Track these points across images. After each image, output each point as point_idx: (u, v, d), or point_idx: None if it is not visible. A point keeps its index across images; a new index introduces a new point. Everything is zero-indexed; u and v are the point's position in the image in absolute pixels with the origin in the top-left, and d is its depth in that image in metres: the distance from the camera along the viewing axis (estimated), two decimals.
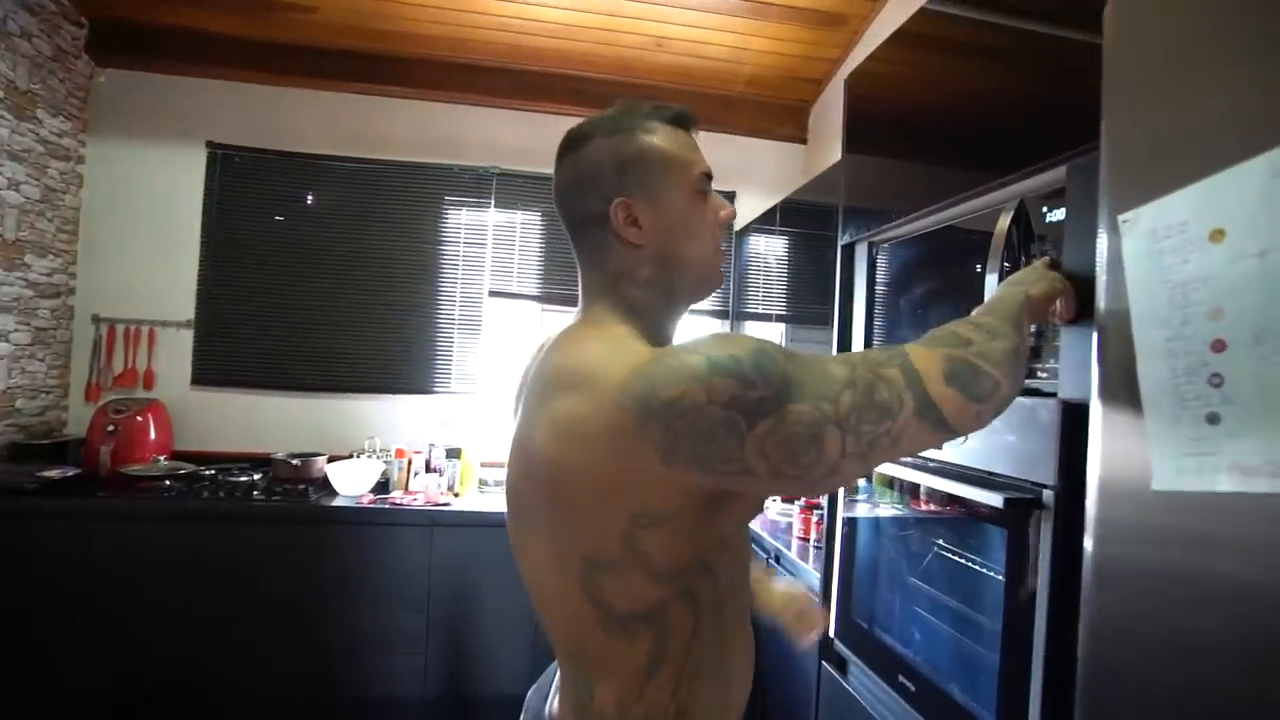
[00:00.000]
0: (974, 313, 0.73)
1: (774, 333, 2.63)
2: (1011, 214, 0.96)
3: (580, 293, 0.74)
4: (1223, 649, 0.51)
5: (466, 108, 2.85)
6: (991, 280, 0.96)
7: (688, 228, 0.70)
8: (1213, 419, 0.52)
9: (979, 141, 1.06)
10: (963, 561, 1.04)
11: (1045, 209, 0.93)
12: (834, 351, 1.44)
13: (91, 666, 2.09)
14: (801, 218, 2.41)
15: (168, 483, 2.29)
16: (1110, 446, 0.62)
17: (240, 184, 2.70)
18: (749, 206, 2.99)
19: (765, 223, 2.67)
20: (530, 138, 2.90)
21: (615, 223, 0.67)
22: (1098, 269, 0.64)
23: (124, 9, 2.55)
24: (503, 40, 2.70)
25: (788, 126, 3.06)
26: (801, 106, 3.07)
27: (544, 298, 2.96)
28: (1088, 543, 0.63)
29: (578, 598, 0.63)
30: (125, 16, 2.58)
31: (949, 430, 0.61)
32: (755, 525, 2.27)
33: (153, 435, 2.46)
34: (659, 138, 0.69)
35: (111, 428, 2.37)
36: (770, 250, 2.76)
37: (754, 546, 2.23)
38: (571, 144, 0.72)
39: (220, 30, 2.61)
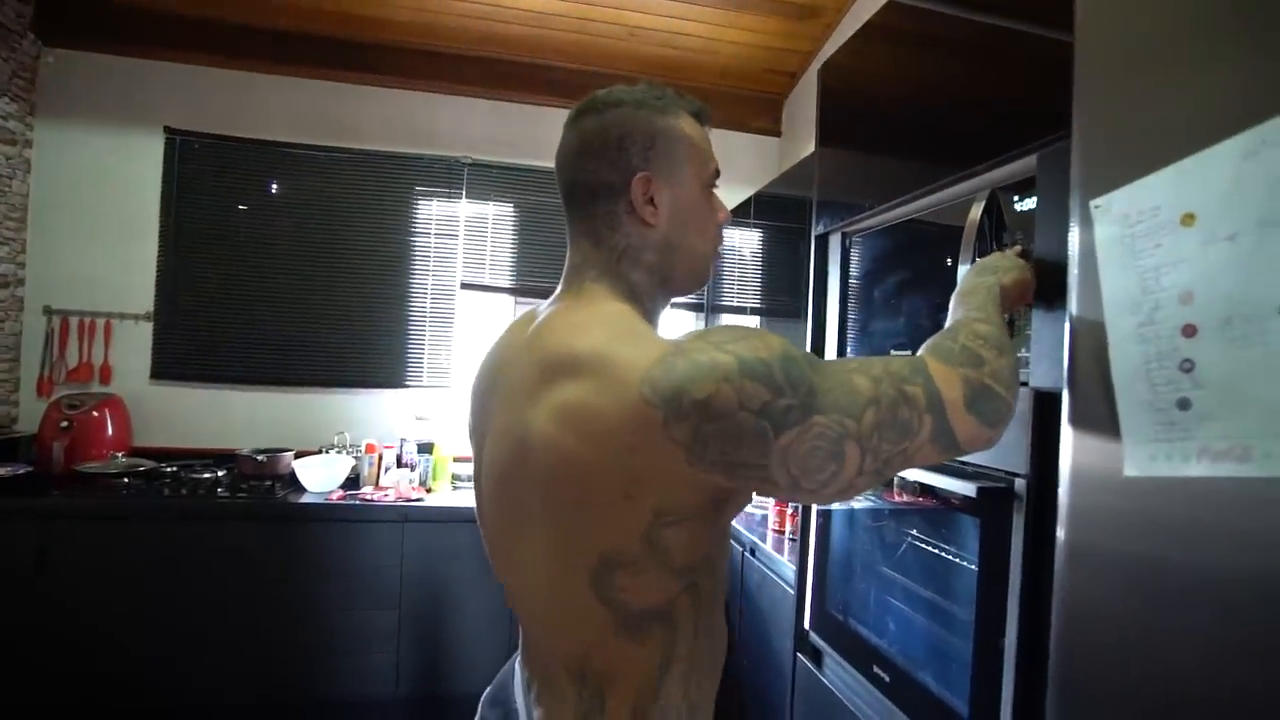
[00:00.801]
0: (956, 306, 0.72)
1: (750, 324, 2.64)
2: (983, 204, 0.96)
3: (567, 269, 0.70)
4: (1195, 637, 0.51)
5: (437, 96, 2.79)
6: (964, 271, 0.96)
7: (697, 219, 0.69)
8: (1183, 404, 0.52)
9: (952, 133, 1.06)
10: (936, 552, 1.04)
11: (1016, 198, 0.93)
12: (809, 344, 1.44)
13: (48, 672, 2.01)
14: (776, 210, 2.41)
15: (126, 480, 2.21)
16: (1082, 434, 0.62)
17: (201, 171, 2.60)
18: (723, 199, 2.97)
19: (740, 215, 2.67)
20: (502, 128, 2.86)
21: (633, 197, 0.65)
22: (1069, 257, 0.64)
23: None
24: (475, 28, 2.65)
25: (762, 119, 3.06)
26: (776, 99, 3.07)
27: (517, 290, 2.92)
28: (1060, 531, 0.63)
29: (587, 599, 0.59)
30: None
31: (959, 451, 0.61)
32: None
33: (110, 431, 2.37)
34: (686, 123, 0.69)
35: (65, 424, 2.28)
36: (745, 243, 2.76)
37: (733, 542, 2.23)
38: (594, 108, 0.68)
39: (177, 11, 2.51)
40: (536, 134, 2.88)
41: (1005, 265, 0.77)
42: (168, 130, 2.57)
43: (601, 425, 0.55)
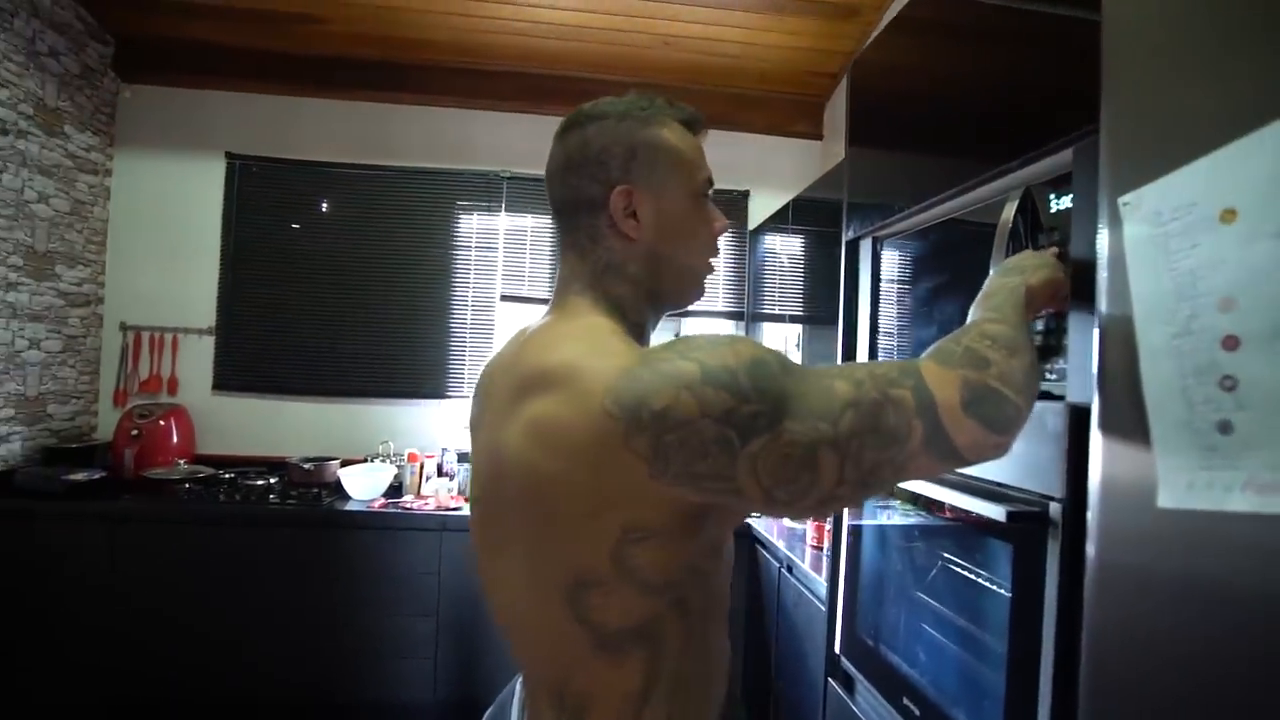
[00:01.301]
0: (975, 310, 0.67)
1: (790, 334, 2.56)
2: (1016, 203, 0.89)
3: (556, 284, 0.70)
4: (1237, 670, 0.44)
5: (476, 113, 2.86)
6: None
7: (685, 230, 0.67)
8: (1224, 427, 0.46)
9: (984, 128, 0.99)
10: (970, 577, 0.97)
11: (1053, 196, 0.86)
12: (840, 352, 1.38)
13: (110, 666, 2.14)
14: (814, 215, 2.34)
15: (187, 486, 2.34)
16: (1113, 455, 0.56)
17: (257, 193, 2.75)
18: (764, 206, 2.92)
19: (778, 221, 2.61)
20: (540, 141, 2.86)
21: (613, 210, 0.64)
22: (1098, 259, 0.58)
23: (148, 26, 2.62)
24: (510, 44, 2.70)
25: (802, 122, 2.99)
26: (816, 101, 2.99)
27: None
28: (1089, 560, 0.56)
29: (563, 620, 0.57)
30: (149, 33, 2.65)
31: (961, 461, 0.56)
32: (769, 532, 2.20)
33: (175, 439, 2.52)
34: (671, 133, 0.67)
35: (135, 432, 2.43)
36: (785, 249, 2.69)
37: (766, 554, 2.17)
38: (578, 121, 0.68)
39: (236, 43, 2.66)
40: None
41: (1033, 264, 0.71)
42: (228, 155, 2.73)
43: (567, 440, 0.53)
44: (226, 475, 2.47)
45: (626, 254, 0.65)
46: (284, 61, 2.70)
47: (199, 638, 2.17)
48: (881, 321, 1.30)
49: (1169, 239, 0.50)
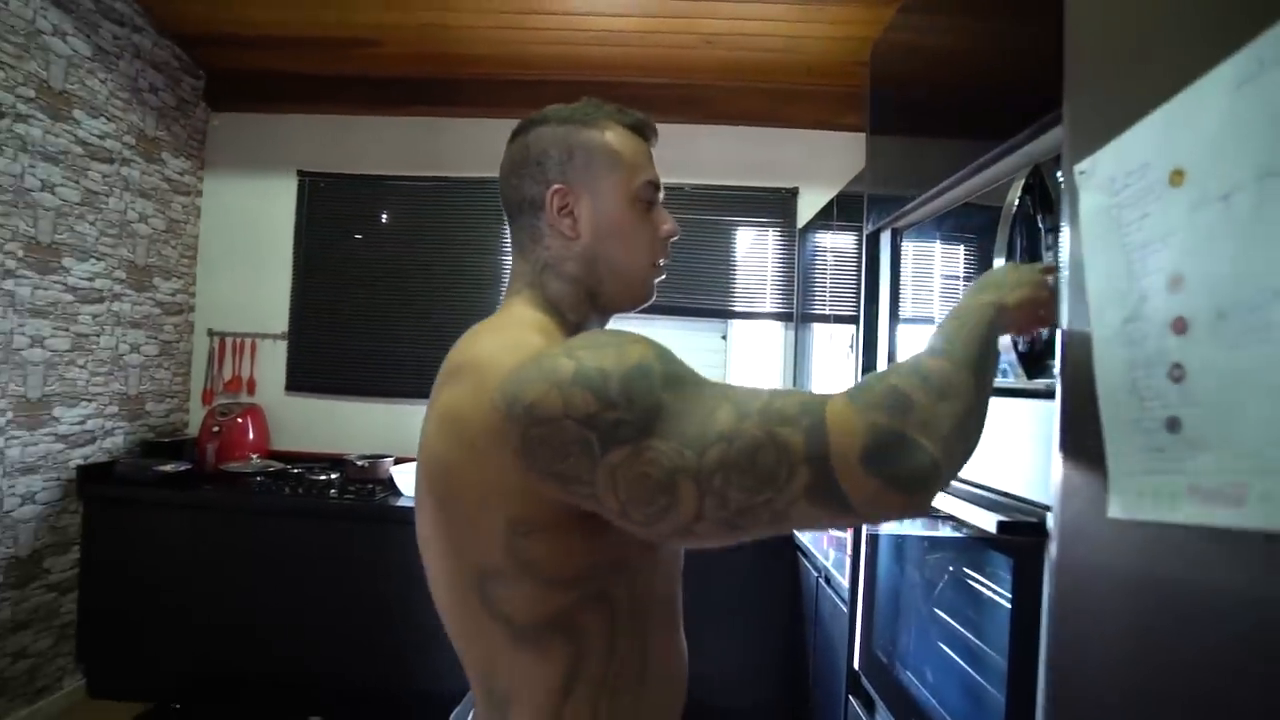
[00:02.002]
0: (936, 332, 0.60)
1: (838, 334, 2.45)
2: (1023, 181, 0.81)
3: (508, 285, 0.71)
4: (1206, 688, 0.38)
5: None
6: (999, 264, 0.82)
7: (622, 231, 0.67)
8: (1172, 424, 0.39)
9: (996, 104, 0.91)
10: (974, 590, 0.89)
11: (1060, 173, 0.78)
12: (860, 348, 1.31)
13: (189, 641, 2.34)
14: (859, 210, 2.23)
15: (258, 479, 2.53)
16: (1075, 459, 0.49)
17: (324, 207, 2.94)
18: (812, 203, 2.83)
19: (823, 218, 2.51)
20: None
21: (549, 209, 0.65)
22: (1059, 243, 0.52)
23: (232, 60, 2.87)
24: (554, 53, 2.75)
25: (851, 114, 2.86)
26: (864, 92, 2.86)
27: None
28: (1048, 578, 0.50)
29: (479, 612, 0.58)
30: (233, 66, 2.90)
31: (858, 517, 0.50)
32: (810, 540, 2.12)
33: (250, 436, 2.73)
34: (612, 135, 0.67)
35: (216, 429, 2.66)
36: (833, 246, 2.59)
37: (806, 563, 2.08)
38: (522, 128, 0.70)
39: (304, 70, 2.87)
40: None
41: (1012, 281, 0.63)
42: (299, 173, 2.94)
43: (465, 430, 0.54)
44: (294, 470, 2.65)
45: (564, 253, 0.66)
46: (346, 84, 2.88)
47: (265, 619, 2.34)
48: (903, 314, 1.22)
49: (1122, 210, 0.44)
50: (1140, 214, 0.42)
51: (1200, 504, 0.36)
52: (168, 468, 2.47)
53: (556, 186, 0.65)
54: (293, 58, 2.81)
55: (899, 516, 0.51)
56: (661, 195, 0.69)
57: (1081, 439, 0.48)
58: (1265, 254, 0.33)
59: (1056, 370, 0.52)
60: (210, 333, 2.94)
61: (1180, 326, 0.39)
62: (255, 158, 2.97)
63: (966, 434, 0.51)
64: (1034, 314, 0.62)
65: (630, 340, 0.53)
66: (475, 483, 0.54)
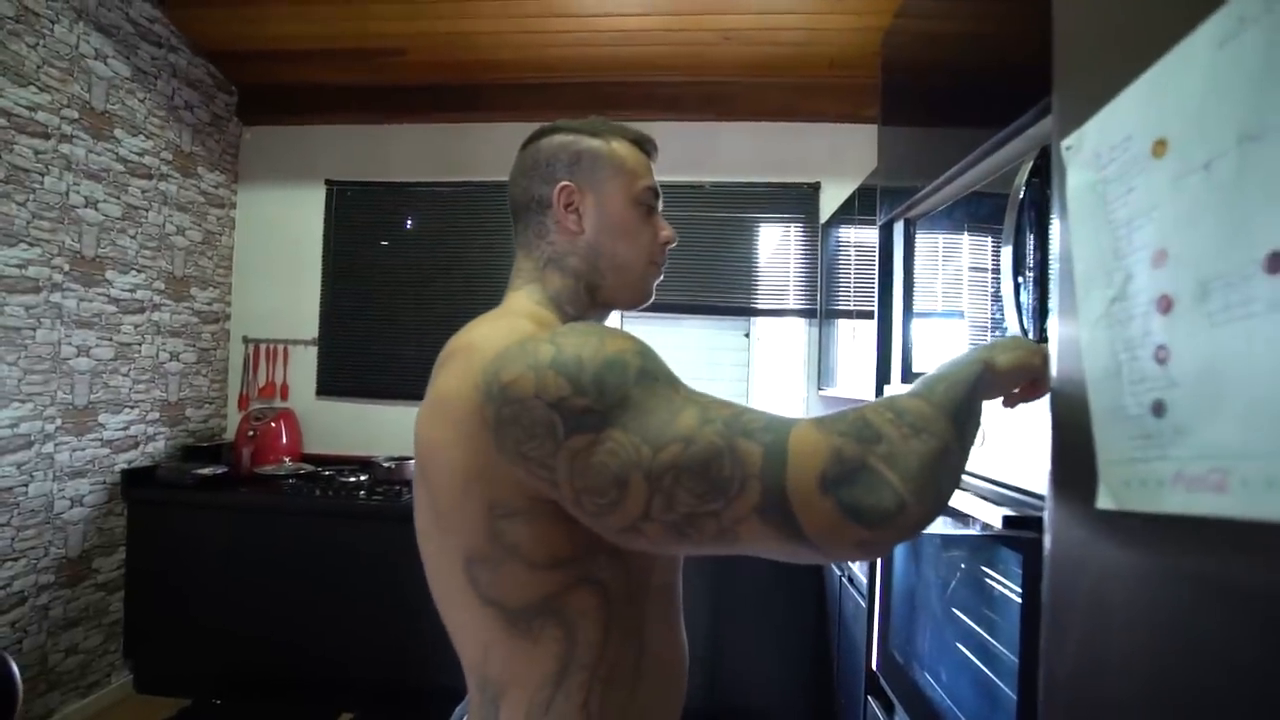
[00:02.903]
0: (916, 383, 0.58)
1: (862, 329, 2.41)
2: (1030, 165, 0.78)
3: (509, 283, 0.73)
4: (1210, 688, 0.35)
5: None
6: (1006, 252, 0.79)
7: (624, 229, 0.70)
8: (1158, 408, 0.37)
9: (1003, 87, 0.88)
10: (995, 588, 0.86)
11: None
12: (876, 342, 1.28)
13: (226, 637, 2.43)
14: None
15: (291, 481, 2.60)
16: (1066, 449, 0.47)
17: (352, 215, 3.02)
18: (835, 197, 2.78)
19: (845, 212, 2.47)
20: None
21: (556, 206, 0.69)
22: (1050, 227, 0.49)
23: (263, 74, 2.97)
24: (574, 55, 2.77)
25: (875, 107, 2.80)
26: None
27: None
28: (1044, 579, 0.48)
29: (470, 598, 0.59)
30: (264, 81, 3.00)
31: (812, 549, 0.47)
32: None
33: (284, 439, 2.81)
34: (618, 145, 0.71)
35: (251, 433, 2.75)
36: (855, 241, 2.54)
37: (831, 565, 2.04)
38: (533, 137, 0.74)
39: (332, 81, 2.95)
40: None
41: (1008, 344, 0.61)
42: (327, 182, 3.02)
43: (451, 412, 0.56)
44: (325, 472, 2.72)
45: (568, 248, 0.69)
46: (372, 93, 2.95)
47: (298, 617, 2.40)
48: (918, 306, 1.19)
49: (1107, 185, 0.42)
50: (1125, 188, 0.40)
51: (1185, 492, 0.34)
52: (205, 471, 2.56)
53: (564, 184, 0.68)
54: (319, 70, 2.89)
55: (859, 554, 0.48)
56: (661, 205, 0.73)
57: (1073, 428, 0.46)
58: (1245, 223, 0.31)
59: (1051, 358, 0.50)
60: (245, 340, 3.04)
61: (1165, 305, 0.37)
62: (285, 169, 3.06)
63: (938, 477, 0.48)
64: (1024, 380, 0.60)
65: (615, 334, 0.54)
66: (460, 465, 0.55)
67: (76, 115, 2.26)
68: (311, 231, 3.04)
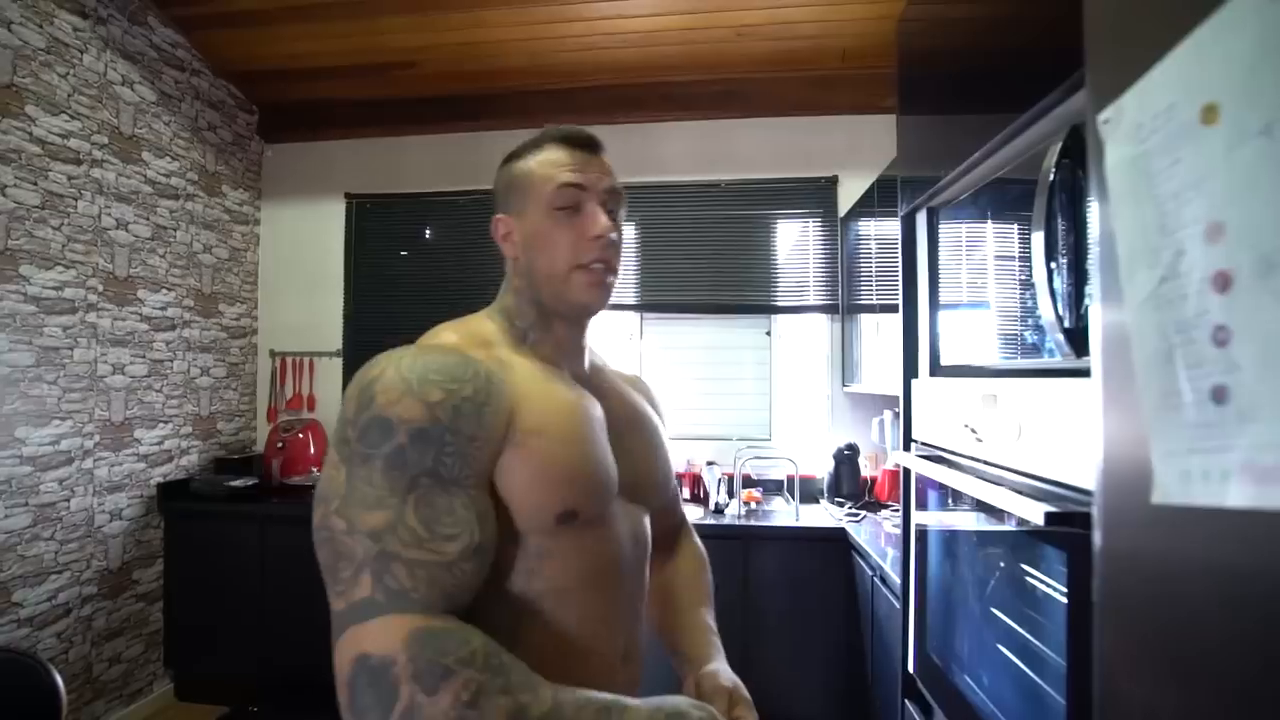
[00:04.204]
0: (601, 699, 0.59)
1: (884, 323, 2.36)
2: (1060, 145, 0.75)
3: None
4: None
5: None
6: (1037, 239, 0.76)
7: (541, 242, 0.72)
8: (1218, 394, 0.35)
9: (1027, 66, 0.85)
10: (1037, 587, 0.82)
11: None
12: (902, 333, 1.25)
13: (258, 642, 2.46)
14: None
15: None
16: (1115, 440, 0.44)
17: (372, 227, 3.05)
18: (854, 190, 2.74)
19: (865, 205, 2.43)
20: (621, 149, 2.90)
21: (496, 236, 0.76)
22: (1089, 205, 0.47)
23: (281, 93, 3.02)
24: (587, 59, 2.77)
25: (892, 96, 2.74)
26: None
27: (643, 306, 2.96)
28: (1096, 574, 0.45)
29: None
30: (283, 99, 3.06)
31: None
32: (863, 538, 2.04)
33: (312, 450, 2.85)
34: (535, 160, 0.73)
35: (280, 444, 2.79)
36: (876, 233, 2.49)
37: (862, 563, 2.00)
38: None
39: (348, 96, 2.99)
40: (656, 151, 2.92)
41: (685, 706, 0.61)
42: (347, 195, 3.07)
43: None
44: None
45: (513, 270, 0.76)
46: (387, 106, 2.99)
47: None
48: (943, 298, 1.16)
49: (1150, 159, 0.39)
50: (1171, 160, 0.37)
51: (1254, 484, 0.32)
52: (238, 483, 2.61)
53: (496, 217, 0.76)
54: (336, 86, 2.94)
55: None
56: (597, 195, 0.71)
57: (1122, 418, 0.44)
58: None
59: (1092, 346, 0.47)
60: (272, 353, 3.10)
61: (1222, 282, 0.34)
62: (306, 184, 3.11)
63: None
64: None
65: (427, 393, 0.59)
66: None
67: (106, 140, 2.33)
68: (333, 244, 3.08)
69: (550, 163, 0.72)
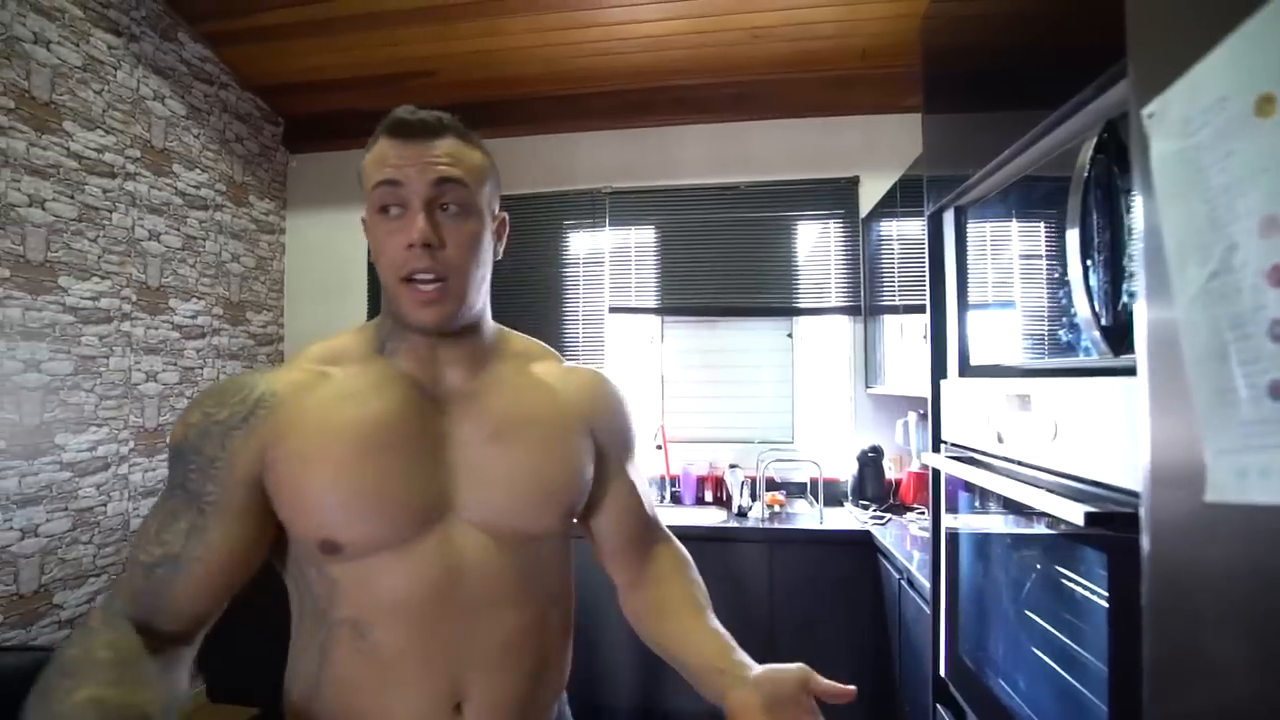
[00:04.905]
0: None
1: (908, 324, 2.34)
2: (1095, 140, 0.74)
3: None
4: None
5: (576, 135, 2.98)
6: (1072, 236, 0.75)
7: (374, 250, 0.66)
8: (1276, 390, 0.34)
9: (1056, 62, 0.84)
10: (1075, 590, 0.81)
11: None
12: (930, 334, 1.24)
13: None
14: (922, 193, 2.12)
15: None
16: (1164, 438, 0.44)
17: None
18: (875, 190, 2.72)
19: (887, 205, 2.41)
20: (636, 154, 2.95)
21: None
22: (1132, 201, 0.46)
23: (305, 104, 3.08)
24: (602, 65, 2.79)
25: (912, 95, 2.72)
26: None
27: (663, 310, 2.96)
28: (1144, 576, 0.45)
29: None
30: (306, 110, 3.12)
31: None
32: (888, 540, 2.02)
33: None
34: (369, 155, 0.67)
35: None
36: (899, 233, 2.47)
37: (888, 565, 1.98)
38: None
39: (368, 106, 3.03)
40: (670, 154, 2.92)
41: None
42: None
43: None
44: None
45: None
46: None
47: None
48: (972, 298, 1.14)
49: (1200, 152, 0.39)
50: (1223, 153, 0.37)
51: None
52: None
53: (361, 216, 0.69)
54: (357, 96, 2.98)
55: None
56: (421, 191, 0.63)
57: (1170, 416, 0.43)
58: None
59: (1138, 343, 0.46)
60: None
61: (1278, 276, 0.34)
62: (330, 193, 3.17)
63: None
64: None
65: (188, 416, 0.64)
66: None
67: (139, 154, 2.39)
68: (356, 252, 3.13)
69: (375, 159, 0.64)
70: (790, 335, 2.93)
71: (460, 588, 0.64)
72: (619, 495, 0.78)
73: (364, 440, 0.62)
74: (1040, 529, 0.87)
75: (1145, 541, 0.44)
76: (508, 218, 0.76)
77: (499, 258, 0.75)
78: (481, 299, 0.70)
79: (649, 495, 0.83)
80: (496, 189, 0.73)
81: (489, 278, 0.72)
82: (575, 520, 0.76)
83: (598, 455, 0.75)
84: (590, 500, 0.76)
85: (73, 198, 2.14)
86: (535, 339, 0.83)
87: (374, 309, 3.11)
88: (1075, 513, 0.65)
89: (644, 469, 0.84)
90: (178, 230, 2.57)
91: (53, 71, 2.07)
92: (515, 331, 0.81)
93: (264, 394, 0.64)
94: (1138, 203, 0.45)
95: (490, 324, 0.75)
